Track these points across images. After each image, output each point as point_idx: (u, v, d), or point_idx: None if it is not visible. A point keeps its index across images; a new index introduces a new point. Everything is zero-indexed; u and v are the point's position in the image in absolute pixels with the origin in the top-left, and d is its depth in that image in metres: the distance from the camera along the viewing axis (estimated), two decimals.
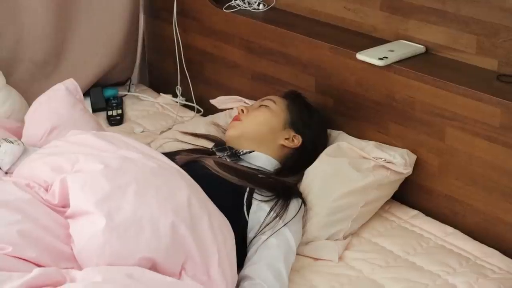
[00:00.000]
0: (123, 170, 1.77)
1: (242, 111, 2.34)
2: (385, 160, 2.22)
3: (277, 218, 2.02)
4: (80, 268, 1.67)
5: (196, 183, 1.85)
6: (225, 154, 2.22)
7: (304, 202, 2.13)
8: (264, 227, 2.00)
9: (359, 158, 2.25)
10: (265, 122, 2.28)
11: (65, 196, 1.75)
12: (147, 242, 1.66)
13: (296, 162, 2.26)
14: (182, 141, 2.42)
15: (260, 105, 2.33)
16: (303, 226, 2.11)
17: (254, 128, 2.28)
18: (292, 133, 2.29)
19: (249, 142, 2.26)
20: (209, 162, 2.11)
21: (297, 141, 2.28)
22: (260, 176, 2.15)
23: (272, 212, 2.03)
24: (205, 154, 2.26)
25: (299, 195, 2.14)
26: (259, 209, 2.05)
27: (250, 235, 2.01)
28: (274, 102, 2.32)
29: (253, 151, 2.23)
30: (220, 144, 2.33)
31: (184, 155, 2.17)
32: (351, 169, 2.19)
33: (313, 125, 2.33)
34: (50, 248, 1.67)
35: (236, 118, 2.35)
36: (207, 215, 1.76)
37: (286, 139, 2.28)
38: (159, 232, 1.67)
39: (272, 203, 2.05)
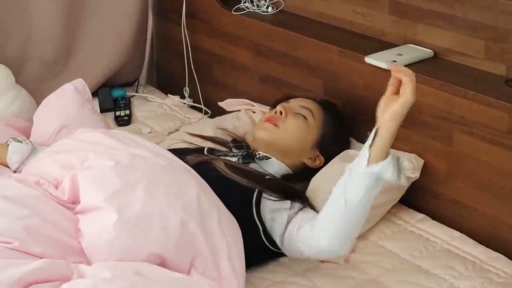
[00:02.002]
0: (133, 167, 1.78)
1: (281, 113, 2.25)
2: None
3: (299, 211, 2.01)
4: (88, 262, 1.68)
5: (204, 182, 1.86)
6: (240, 153, 2.21)
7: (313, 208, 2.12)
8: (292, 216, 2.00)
9: None
10: (300, 137, 2.23)
11: (75, 192, 1.76)
12: (156, 238, 1.67)
13: (308, 173, 2.25)
14: (190, 142, 2.42)
15: (298, 113, 2.25)
16: None
17: (287, 140, 2.21)
18: (317, 153, 2.26)
19: (275, 150, 2.22)
20: (219, 164, 2.10)
21: (319, 162, 2.26)
22: (268, 178, 2.14)
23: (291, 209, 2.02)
24: (213, 153, 2.25)
25: (306, 200, 2.12)
26: (276, 210, 2.03)
27: (277, 232, 2.01)
28: (313, 115, 2.26)
29: (270, 157, 2.22)
30: (238, 142, 2.31)
31: (194, 156, 2.15)
32: None
33: (340, 145, 2.31)
34: (57, 243, 1.68)
35: (271, 120, 2.25)
36: (216, 213, 1.77)
37: (309, 158, 2.26)
38: (168, 228, 1.68)
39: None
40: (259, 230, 2.02)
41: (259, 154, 2.22)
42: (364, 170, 1.79)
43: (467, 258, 2.08)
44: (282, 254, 2.08)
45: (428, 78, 2.20)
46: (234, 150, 2.23)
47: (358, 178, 1.81)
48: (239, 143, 2.29)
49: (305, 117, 2.25)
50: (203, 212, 1.74)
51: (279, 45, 2.68)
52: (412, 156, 2.26)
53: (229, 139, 2.42)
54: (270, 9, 2.82)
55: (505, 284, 1.96)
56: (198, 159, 2.11)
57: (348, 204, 1.83)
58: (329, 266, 2.05)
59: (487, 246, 2.13)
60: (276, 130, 2.23)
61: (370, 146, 1.80)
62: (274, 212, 2.02)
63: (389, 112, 1.80)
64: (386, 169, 1.78)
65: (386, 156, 1.79)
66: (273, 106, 2.36)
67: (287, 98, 2.37)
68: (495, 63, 2.18)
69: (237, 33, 2.85)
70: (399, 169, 1.80)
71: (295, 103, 2.31)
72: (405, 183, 1.84)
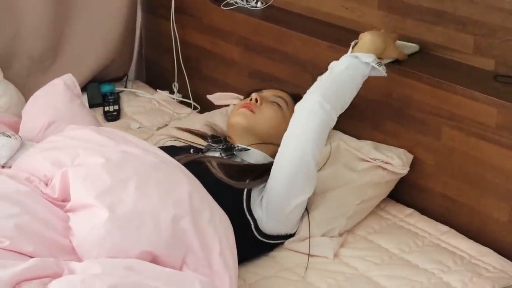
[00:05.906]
0: (124, 164, 1.77)
1: (256, 100, 2.27)
2: (382, 161, 2.22)
3: None
4: (79, 260, 1.67)
5: (196, 179, 1.85)
6: (220, 147, 2.20)
7: None
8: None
9: (356, 159, 2.25)
10: (276, 125, 2.23)
11: (66, 190, 1.75)
12: (147, 235, 1.66)
13: None
14: (178, 138, 2.42)
15: (273, 101, 2.28)
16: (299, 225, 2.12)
17: (264, 126, 2.23)
18: None
19: (253, 137, 2.23)
20: (212, 164, 2.09)
21: None
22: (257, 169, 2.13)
23: None
24: (199, 150, 2.24)
25: None
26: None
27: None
28: (287, 104, 2.28)
29: (249, 149, 2.23)
30: (216, 136, 2.32)
31: (184, 155, 2.14)
32: (347, 170, 2.20)
33: None
34: (48, 241, 1.67)
35: (247, 106, 2.26)
36: (208, 209, 1.76)
37: None
38: (159, 225, 1.67)
39: None
40: (250, 225, 2.03)
41: (237, 146, 2.21)
42: (348, 54, 2.12)
43: (456, 253, 2.09)
44: (274, 247, 2.09)
45: (417, 73, 2.21)
46: (213, 145, 2.22)
47: (341, 59, 2.11)
48: (217, 137, 2.29)
49: (279, 105, 2.27)
50: (194, 209, 1.74)
51: (268, 40, 2.68)
52: (402, 151, 2.26)
53: (218, 134, 2.41)
54: (259, 4, 2.82)
55: (494, 279, 1.97)
56: (189, 158, 2.10)
57: (332, 72, 2.10)
58: (318, 261, 2.06)
59: (476, 240, 2.14)
60: (252, 116, 2.23)
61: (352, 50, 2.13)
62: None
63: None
64: (367, 56, 2.08)
65: None
66: (247, 95, 2.38)
67: (260, 89, 2.39)
68: (484, 58, 2.18)
69: (226, 28, 2.85)
70: (379, 62, 2.10)
71: (269, 93, 2.33)
72: (383, 72, 2.10)
